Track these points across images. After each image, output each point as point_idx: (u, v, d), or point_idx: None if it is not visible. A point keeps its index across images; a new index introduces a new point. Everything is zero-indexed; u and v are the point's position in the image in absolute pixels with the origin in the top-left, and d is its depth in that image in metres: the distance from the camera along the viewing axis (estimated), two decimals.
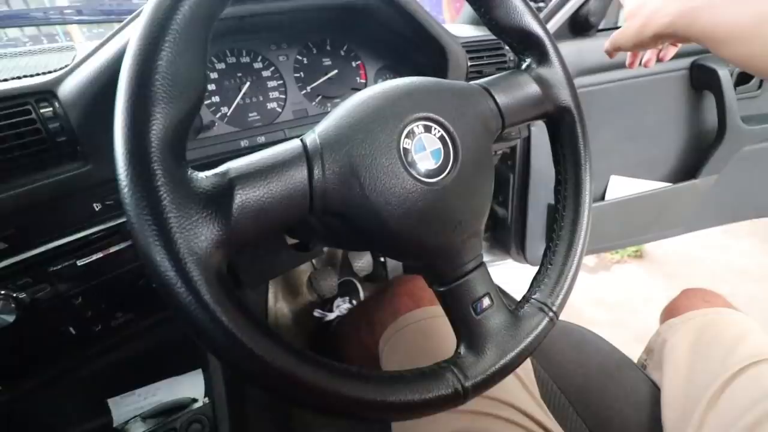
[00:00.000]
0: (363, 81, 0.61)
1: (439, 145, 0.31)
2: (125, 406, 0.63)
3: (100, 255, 0.44)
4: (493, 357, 0.33)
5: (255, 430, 0.70)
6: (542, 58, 0.39)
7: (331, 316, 0.95)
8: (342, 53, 0.60)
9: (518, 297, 0.39)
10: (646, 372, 0.60)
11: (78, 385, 0.61)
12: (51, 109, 0.38)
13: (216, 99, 0.52)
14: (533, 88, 0.38)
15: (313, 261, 1.01)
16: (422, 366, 0.31)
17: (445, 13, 2.09)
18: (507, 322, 0.34)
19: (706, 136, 0.96)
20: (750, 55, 0.34)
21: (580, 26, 0.78)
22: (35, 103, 0.38)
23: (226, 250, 0.24)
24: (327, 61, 0.59)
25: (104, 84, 0.38)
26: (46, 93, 0.38)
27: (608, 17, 0.80)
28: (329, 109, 0.58)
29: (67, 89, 0.39)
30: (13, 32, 0.94)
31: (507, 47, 0.69)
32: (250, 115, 0.54)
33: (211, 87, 0.52)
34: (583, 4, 0.76)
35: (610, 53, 0.52)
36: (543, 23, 0.39)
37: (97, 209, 0.43)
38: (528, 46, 0.39)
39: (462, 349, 0.33)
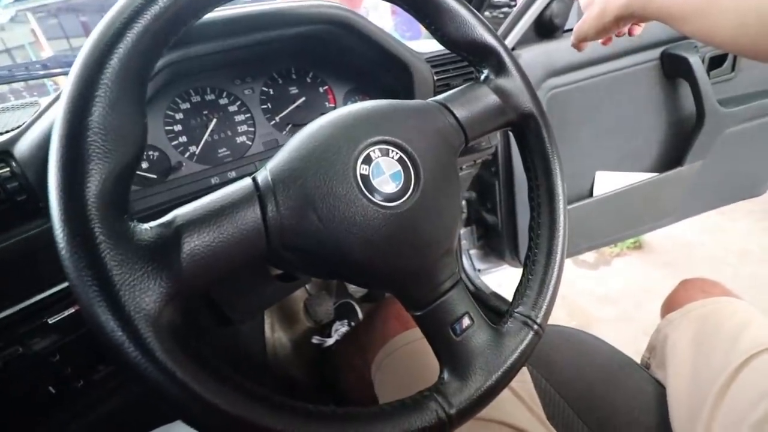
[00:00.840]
0: (332, 105, 0.61)
1: (399, 167, 0.31)
2: None
3: (72, 310, 0.43)
4: (478, 380, 0.31)
5: None
6: (499, 68, 0.39)
7: (330, 341, 0.93)
8: (308, 80, 0.60)
9: None
10: (650, 371, 0.58)
11: None
12: (8, 169, 0.38)
13: (183, 139, 0.51)
14: (493, 99, 0.38)
15: (307, 286, 0.99)
16: (413, 391, 0.30)
17: None
18: (490, 340, 0.33)
19: (686, 122, 0.96)
20: (708, 29, 0.34)
21: (545, 29, 0.79)
22: None
23: (178, 302, 0.23)
24: (294, 90, 0.59)
25: None
26: (2, 153, 0.38)
27: (573, 18, 0.81)
28: None
29: (23, 148, 0.38)
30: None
31: None
32: (220, 151, 0.53)
33: (178, 127, 0.51)
34: (546, 7, 0.76)
35: (577, 46, 0.52)
36: (495, 33, 0.39)
37: None
38: (483, 57, 0.39)
39: (445, 375, 0.32)
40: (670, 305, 0.63)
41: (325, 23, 0.51)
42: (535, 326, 0.35)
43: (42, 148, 0.38)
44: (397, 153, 0.31)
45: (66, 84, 0.24)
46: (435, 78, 0.61)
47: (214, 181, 0.51)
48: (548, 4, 0.76)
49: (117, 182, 0.23)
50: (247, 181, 0.28)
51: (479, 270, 1.12)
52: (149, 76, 0.26)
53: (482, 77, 0.40)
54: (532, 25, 0.78)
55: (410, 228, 0.31)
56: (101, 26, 0.25)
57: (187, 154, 0.51)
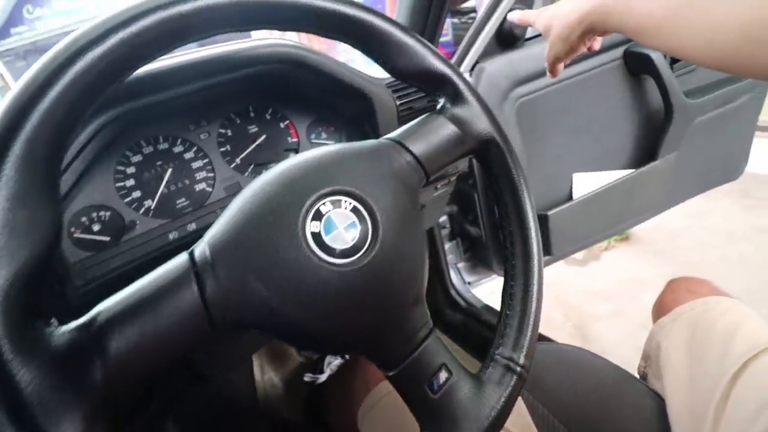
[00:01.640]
0: (295, 140, 0.59)
1: (353, 217, 0.29)
2: None
3: None
4: None
5: None
6: (455, 96, 0.37)
7: (323, 377, 0.90)
8: (268, 117, 0.58)
9: None
10: (647, 382, 0.56)
11: None
12: None
13: (137, 194, 0.49)
14: (450, 130, 0.36)
15: None
16: None
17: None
18: (471, 392, 0.31)
19: (656, 117, 0.96)
20: (674, 45, 0.33)
21: (507, 40, 0.79)
22: None
23: (108, 412, 0.21)
24: (253, 128, 0.56)
25: None
26: None
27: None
28: None
29: None
30: None
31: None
32: (179, 202, 0.51)
33: (130, 182, 0.49)
34: (504, 19, 0.76)
35: (553, 72, 0.52)
36: (448, 61, 0.37)
37: None
38: (438, 87, 0.38)
39: None
40: (659, 309, 0.62)
41: (275, 63, 0.50)
42: (518, 369, 0.32)
43: None
44: (350, 203, 0.29)
45: None
46: (397, 103, 0.60)
47: (172, 236, 0.48)
48: (506, 17, 0.76)
49: (26, 283, 0.20)
50: (182, 258, 0.25)
51: (469, 283, 1.10)
52: (63, 156, 0.24)
53: (438, 107, 0.38)
54: (493, 37, 0.78)
55: (373, 282, 0.28)
56: (2, 105, 0.22)
57: (143, 209, 0.49)
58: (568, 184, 0.96)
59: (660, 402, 0.52)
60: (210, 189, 0.52)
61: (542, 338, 0.94)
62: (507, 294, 0.37)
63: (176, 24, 0.26)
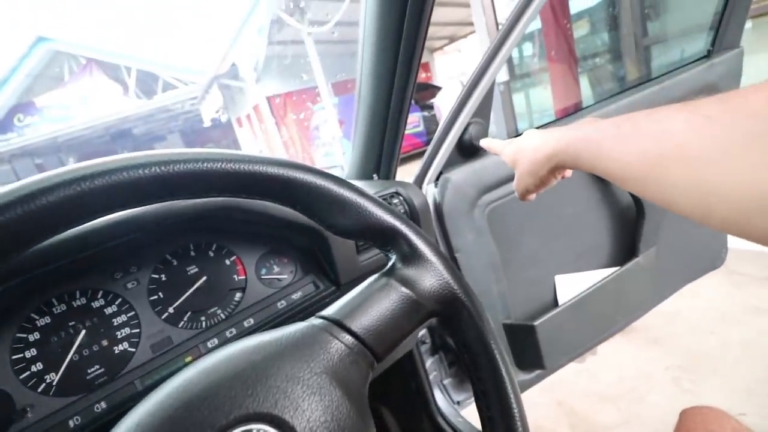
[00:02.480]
0: (242, 278, 0.52)
1: None
2: None
3: None
4: None
5: None
6: (410, 252, 0.32)
7: None
8: (211, 254, 0.52)
9: None
10: None
11: None
12: None
13: (38, 366, 0.40)
14: (401, 294, 0.30)
15: None
16: None
17: None
18: None
19: (628, 212, 0.95)
20: (661, 199, 0.26)
21: (468, 151, 0.79)
22: None
23: None
24: (193, 269, 0.50)
25: None
26: None
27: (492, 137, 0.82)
28: (203, 326, 0.48)
29: None
30: None
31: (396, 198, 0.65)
32: (90, 371, 0.42)
33: (31, 353, 0.40)
34: (464, 132, 0.77)
35: (525, 200, 0.50)
36: (397, 213, 0.33)
37: None
38: (387, 242, 0.33)
39: None
40: None
41: (211, 214, 0.46)
42: None
43: None
44: (264, 431, 0.22)
45: None
46: None
47: (74, 423, 0.38)
48: (465, 129, 0.76)
49: None
50: None
51: (458, 403, 0.97)
52: None
53: (387, 266, 0.32)
54: (455, 149, 0.78)
55: None
56: None
57: (42, 386, 0.40)
58: (550, 287, 0.91)
59: None
60: (133, 349, 0.44)
61: None
62: None
63: (66, 207, 0.22)
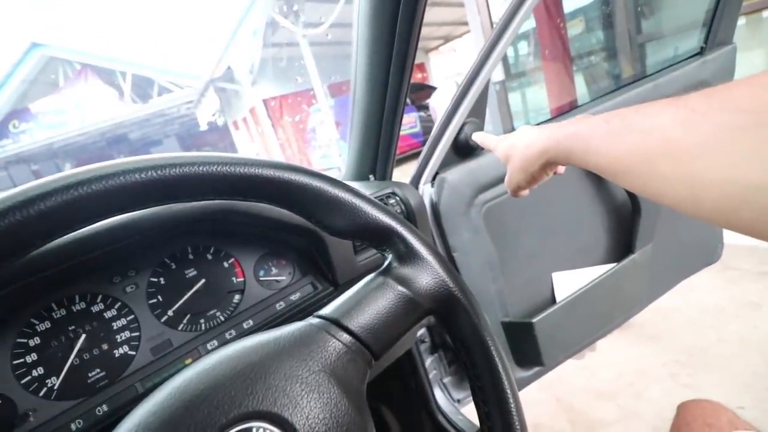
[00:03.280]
0: (241, 280, 0.53)
1: None
2: None
3: None
4: None
5: None
6: (404, 251, 0.33)
7: None
8: (209, 257, 0.52)
9: None
10: None
11: None
12: None
13: (39, 371, 0.40)
14: (398, 293, 0.31)
15: None
16: None
17: None
18: None
19: (624, 209, 0.96)
20: (652, 193, 0.27)
21: (464, 150, 0.79)
22: None
23: None
24: (191, 272, 0.50)
25: None
26: None
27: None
28: (203, 328, 0.48)
29: None
30: None
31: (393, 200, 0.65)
32: (91, 374, 0.42)
33: (32, 357, 0.41)
34: (459, 132, 0.77)
35: (516, 197, 0.50)
36: (392, 212, 0.33)
37: None
38: (382, 242, 0.33)
39: None
40: None
41: (208, 218, 0.46)
42: None
43: None
44: (265, 429, 0.22)
45: None
46: None
47: (76, 426, 0.39)
48: (461, 129, 0.77)
49: None
50: None
51: (458, 401, 0.98)
52: None
53: (384, 265, 0.33)
54: (450, 149, 0.78)
55: None
56: None
57: (43, 391, 0.40)
58: (548, 284, 0.91)
59: None
60: (133, 352, 0.45)
61: None
62: None
63: (64, 212, 0.22)
